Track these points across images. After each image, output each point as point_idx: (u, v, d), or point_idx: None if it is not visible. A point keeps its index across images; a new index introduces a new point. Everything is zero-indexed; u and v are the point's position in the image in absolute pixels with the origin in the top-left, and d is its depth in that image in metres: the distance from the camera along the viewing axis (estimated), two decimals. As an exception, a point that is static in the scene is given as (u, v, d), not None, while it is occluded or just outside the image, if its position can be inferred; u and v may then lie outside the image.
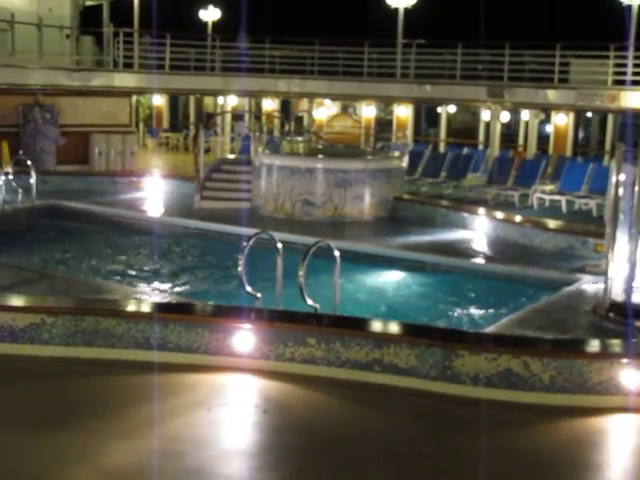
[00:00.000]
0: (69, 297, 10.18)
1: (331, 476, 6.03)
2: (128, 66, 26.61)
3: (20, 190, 17.34)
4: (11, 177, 17.55)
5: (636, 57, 23.01)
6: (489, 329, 9.63)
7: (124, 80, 26.16)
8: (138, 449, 6.32)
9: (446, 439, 6.78)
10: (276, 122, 31.36)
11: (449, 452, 6.51)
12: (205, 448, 6.40)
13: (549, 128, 27.61)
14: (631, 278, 9.61)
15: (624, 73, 23.26)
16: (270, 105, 31.94)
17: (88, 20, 28.92)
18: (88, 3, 30.18)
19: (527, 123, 28.07)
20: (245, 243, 9.47)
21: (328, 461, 6.25)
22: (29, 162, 17.85)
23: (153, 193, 19.96)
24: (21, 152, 20.71)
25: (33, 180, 17.56)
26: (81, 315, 8.33)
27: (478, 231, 15.85)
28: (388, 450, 6.50)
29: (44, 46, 24.80)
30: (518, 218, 15.95)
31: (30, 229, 16.38)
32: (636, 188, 9.46)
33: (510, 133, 30.32)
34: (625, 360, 7.46)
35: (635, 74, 22.99)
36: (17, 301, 9.09)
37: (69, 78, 24.88)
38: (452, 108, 30.68)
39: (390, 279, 13.33)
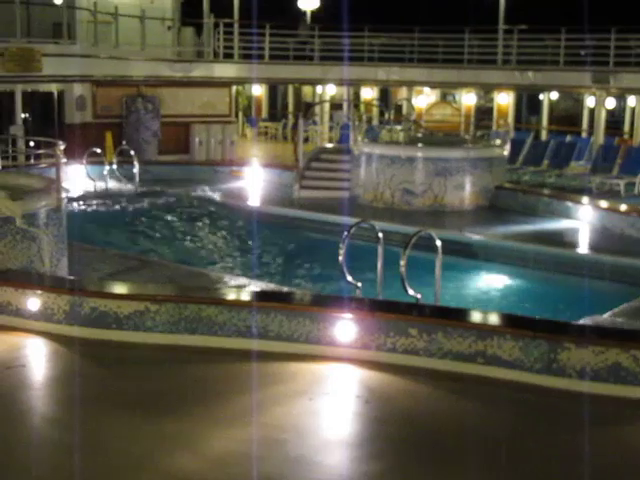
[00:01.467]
0: (172, 285, 10.31)
1: (433, 469, 5.94)
2: (228, 56, 26.88)
3: (123, 179, 17.70)
4: (115, 167, 17.91)
5: None
6: (596, 321, 9.37)
7: (224, 70, 26.44)
8: (240, 437, 6.35)
9: (550, 434, 6.61)
10: (375, 111, 31.23)
11: (553, 447, 6.34)
12: (307, 437, 6.39)
13: (656, 114, 26.80)
14: None
15: None
16: (369, 94, 31.81)
17: (189, 11, 29.26)
18: (189, -6, 30.57)
19: (634, 109, 27.30)
20: (346, 232, 9.43)
21: (430, 453, 6.17)
22: (132, 152, 18.22)
23: (253, 182, 20.10)
24: (124, 142, 21.15)
25: (136, 170, 17.91)
26: (184, 303, 8.41)
27: (582, 221, 15.48)
28: (490, 444, 6.37)
29: (146, 38, 25.23)
30: (624, 207, 15.50)
31: (134, 218, 16.69)
32: None
33: (615, 120, 29.55)
34: None
35: None
36: (121, 289, 9.28)
37: (170, 69, 25.28)
38: (554, 95, 30.04)
39: (493, 269, 13.12)
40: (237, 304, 8.45)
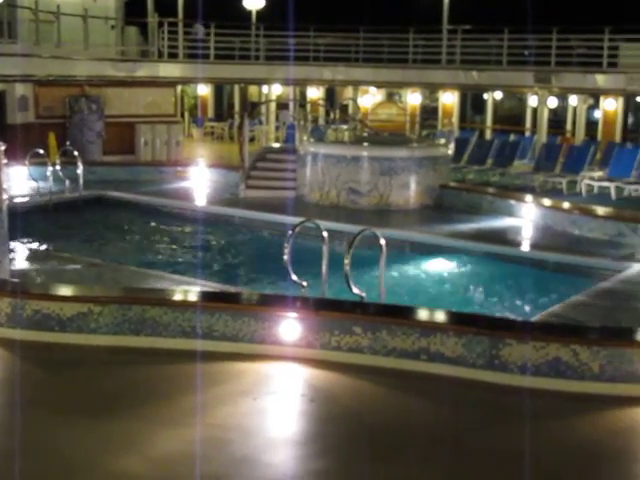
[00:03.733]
0: (116, 286, 10.25)
1: (377, 466, 5.98)
2: (173, 56, 26.75)
3: (67, 180, 17.51)
4: (58, 168, 17.71)
5: (687, 40, 22.61)
6: (537, 317, 9.51)
7: (169, 70, 26.29)
8: (185, 437, 6.33)
9: (493, 429, 6.70)
10: (321, 110, 31.30)
11: (496, 442, 6.43)
12: (252, 437, 6.40)
13: (598, 113, 27.24)
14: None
15: (675, 56, 22.86)
16: (315, 93, 31.88)
17: (133, 10, 29.06)
18: (133, -6, 30.35)
19: (575, 109, 27.73)
20: (290, 232, 9.44)
21: (374, 450, 6.21)
22: (76, 153, 18.02)
23: (198, 182, 20.03)
24: (68, 143, 20.92)
25: (80, 170, 17.73)
26: (128, 304, 8.37)
27: (525, 219, 15.68)
28: (434, 440, 6.44)
29: (89, 37, 24.97)
30: (566, 205, 15.73)
31: (77, 219, 16.53)
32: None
33: (558, 119, 29.96)
34: (677, 349, 7.32)
35: (686, 57, 22.59)
36: (65, 290, 9.18)
37: (114, 69, 25.06)
38: (498, 94, 30.39)
39: (436, 267, 13.24)
40: (181, 305, 8.44)
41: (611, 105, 25.61)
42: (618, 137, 25.65)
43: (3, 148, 10.20)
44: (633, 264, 12.06)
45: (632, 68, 23.62)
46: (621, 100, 25.64)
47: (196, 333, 8.21)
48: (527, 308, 10.69)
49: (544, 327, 8.50)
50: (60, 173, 17.62)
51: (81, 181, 17.79)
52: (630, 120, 29.93)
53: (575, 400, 7.24)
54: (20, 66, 22.55)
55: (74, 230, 15.51)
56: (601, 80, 23.77)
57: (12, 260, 11.08)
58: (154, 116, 25.95)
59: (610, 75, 23.77)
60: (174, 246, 14.51)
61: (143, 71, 25.65)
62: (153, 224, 16.33)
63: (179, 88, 29.21)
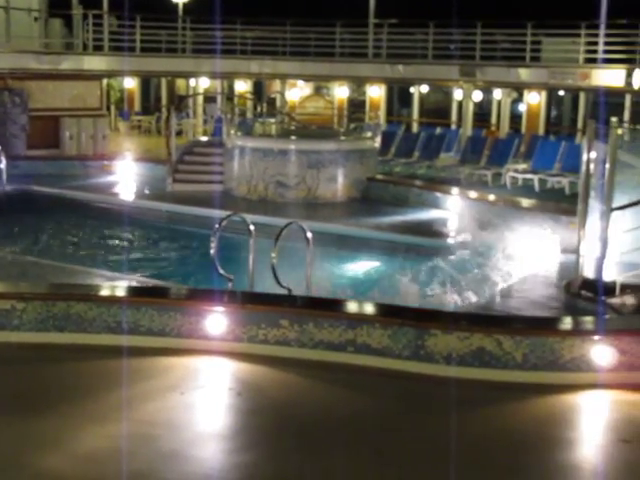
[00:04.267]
0: (40, 282, 10.10)
1: (304, 457, 6.02)
2: (98, 49, 26.36)
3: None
4: (-20, 162, 17.39)
5: (607, 35, 23.07)
6: (462, 308, 9.66)
7: (94, 63, 25.91)
8: (111, 434, 6.29)
9: (419, 418, 6.79)
10: (248, 104, 31.22)
11: (421, 432, 6.52)
12: (179, 431, 6.38)
13: (522, 107, 27.69)
14: (602, 255, 9.66)
15: (595, 51, 23.32)
16: (242, 87, 31.78)
17: (56, 2, 28.56)
18: (56, -15, 29.84)
19: (499, 102, 28.13)
20: (217, 225, 9.43)
21: (301, 443, 6.25)
22: (-2, 147, 17.73)
23: (125, 176, 19.83)
24: (-10, 137, 20.53)
25: (3, 165, 17.43)
26: (52, 300, 8.25)
27: (451, 210, 15.89)
28: (361, 431, 6.50)
29: (12, 29, 24.47)
30: (491, 197, 15.98)
31: (1, 214, 16.24)
32: (607, 165, 9.50)
33: (483, 112, 30.37)
34: (596, 337, 7.50)
35: (606, 52, 23.04)
36: (-13, 287, 9.02)
37: (38, 61, 24.58)
38: (425, 88, 30.66)
39: (363, 260, 13.33)
40: (107, 300, 8.35)
41: (534, 99, 26.05)
42: (541, 130, 26.10)
43: None
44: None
45: (554, 62, 24.06)
46: (544, 94, 26.11)
47: (122, 328, 8.14)
48: (451, 299, 10.83)
49: (468, 317, 8.64)
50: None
51: (4, 176, 17.50)
52: (553, 113, 30.53)
53: (499, 389, 7.37)
54: (-61, 58, 22.04)
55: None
56: (524, 74, 24.15)
57: None
58: (79, 109, 25.55)
59: (533, 69, 24.17)
60: (100, 241, 14.35)
61: (68, 64, 25.23)
62: (79, 219, 16.12)
63: (105, 81, 28.82)
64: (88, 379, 7.44)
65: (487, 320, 8.40)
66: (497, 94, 28.29)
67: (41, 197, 17.66)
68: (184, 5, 32.43)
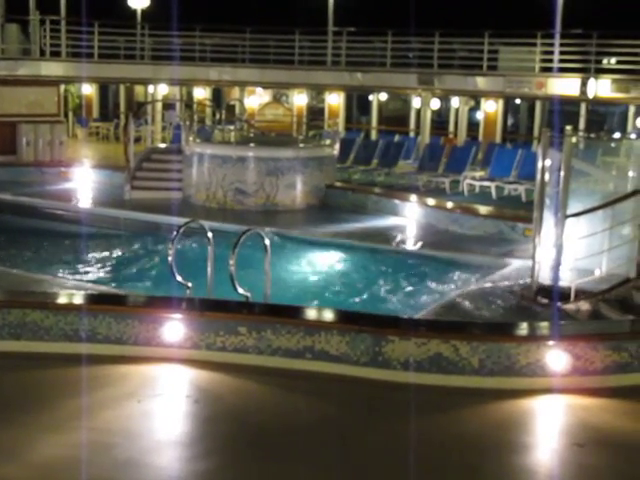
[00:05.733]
0: (-5, 290, 9.99)
1: (263, 465, 6.03)
2: (55, 54, 26.15)
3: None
4: None
5: (562, 44, 23.33)
6: (420, 314, 9.73)
7: (51, 69, 25.71)
8: (68, 442, 6.25)
9: (377, 425, 6.83)
10: (207, 111, 31.14)
11: (379, 438, 6.56)
12: (136, 440, 6.36)
13: (479, 115, 27.92)
14: (557, 262, 9.79)
15: (551, 60, 23.58)
16: (201, 94, 31.69)
17: (13, 7, 28.27)
18: (13, -10, 29.57)
19: (457, 110, 28.32)
20: (175, 233, 9.40)
21: (260, 450, 6.26)
22: (-47, 153, 17.53)
23: (83, 183, 19.71)
24: (-55, 143, 20.30)
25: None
26: (7, 308, 8.18)
27: (409, 218, 15.99)
28: (321, 437, 6.53)
29: (-32, 34, 24.25)
30: (449, 204, 16.12)
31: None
32: (562, 173, 9.63)
33: (441, 120, 30.57)
34: (551, 342, 7.60)
35: (562, 61, 23.30)
36: (-59, 295, 8.91)
37: (-5, 67, 24.37)
38: (383, 96, 30.80)
39: (321, 267, 13.36)
40: (64, 307, 8.30)
41: (491, 107, 26.29)
42: (498, 138, 26.34)
43: None
44: (512, 260, 12.43)
45: (511, 71, 24.29)
46: (501, 102, 26.35)
47: (79, 336, 8.10)
48: (409, 305, 10.90)
49: (426, 324, 8.70)
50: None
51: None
52: (510, 121, 30.81)
53: (456, 394, 7.44)
54: None
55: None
56: (481, 82, 24.36)
57: None
58: (37, 115, 25.31)
59: (490, 78, 24.37)
60: (57, 249, 14.22)
61: (25, 70, 25.02)
62: (35, 226, 15.98)
63: (63, 87, 28.58)
64: (44, 388, 7.39)
65: (444, 326, 8.47)
66: (455, 102, 28.49)
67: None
68: (143, 11, 32.26)
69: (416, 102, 28.11)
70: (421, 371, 7.61)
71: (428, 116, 25.73)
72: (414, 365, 7.60)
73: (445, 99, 29.16)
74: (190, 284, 9.23)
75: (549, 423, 7.13)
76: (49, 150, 24.89)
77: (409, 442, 6.36)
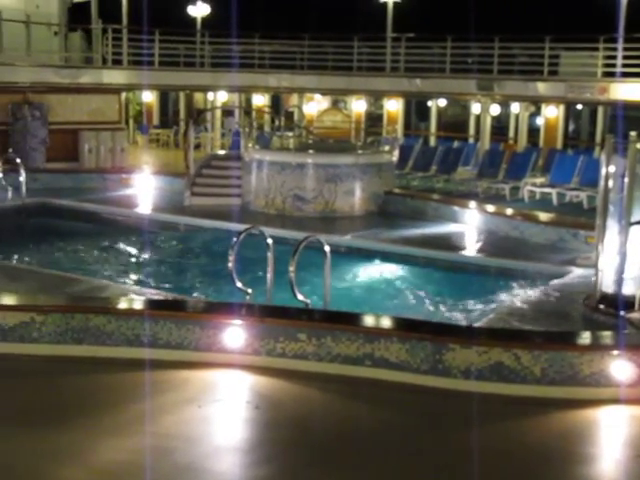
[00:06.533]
0: (59, 295, 10.14)
1: (323, 471, 6.01)
2: (117, 63, 26.51)
3: (10, 188, 17.29)
4: (0, 175, 17.49)
5: (625, 49, 22.97)
6: (480, 322, 9.64)
7: (113, 77, 26.07)
8: (129, 447, 6.30)
9: (438, 433, 6.77)
10: (266, 117, 31.29)
11: (441, 446, 6.51)
12: (196, 445, 6.38)
13: (539, 121, 27.63)
14: (621, 270, 9.62)
15: (614, 65, 23.24)
16: (260, 100, 31.87)
17: (76, 17, 28.77)
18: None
19: (517, 116, 28.07)
20: (235, 239, 9.45)
21: (320, 456, 6.24)
22: (18, 160, 17.81)
23: (143, 190, 19.91)
24: (10, 150, 20.66)
25: (23, 178, 17.52)
26: (71, 313, 8.29)
27: (469, 224, 15.85)
28: (380, 445, 6.49)
29: (32, 43, 24.68)
30: (509, 211, 15.96)
31: (20, 227, 16.34)
32: (625, 180, 9.47)
33: (500, 126, 30.30)
34: (616, 352, 7.47)
35: (625, 66, 22.95)
36: (6, 299, 9.06)
37: (58, 75, 24.77)
38: (442, 101, 30.65)
39: (381, 274, 13.31)
40: (125, 313, 8.39)
41: (552, 112, 26.00)
42: (559, 144, 26.04)
43: (-57, 156, 10.06)
44: (573, 269, 12.26)
45: (572, 76, 24.00)
46: (562, 107, 26.05)
47: (140, 341, 8.17)
48: (470, 313, 10.80)
49: (487, 332, 8.62)
50: (2, 181, 17.40)
51: (24, 189, 17.57)
52: (571, 127, 30.44)
53: (518, 403, 7.35)
54: (-39, 72, 22.22)
55: (17, 238, 15.31)
56: (542, 88, 24.11)
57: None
58: (98, 123, 25.69)
59: (551, 83, 24.11)
60: (118, 254, 14.39)
61: (87, 78, 25.40)
62: (97, 232, 16.19)
63: (124, 95, 28.98)
64: (106, 392, 7.47)
65: (505, 334, 8.38)
66: (515, 108, 28.24)
67: (60, 210, 17.74)
68: (203, 19, 32.59)
69: (475, 108, 27.92)
70: (482, 379, 7.53)
71: (488, 122, 25.54)
72: (475, 373, 7.53)
73: (505, 104, 28.92)
74: (250, 290, 9.27)
75: (613, 434, 7.00)
76: (110, 157, 25.25)
77: (471, 451, 6.29)
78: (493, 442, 6.55)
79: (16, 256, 13.62)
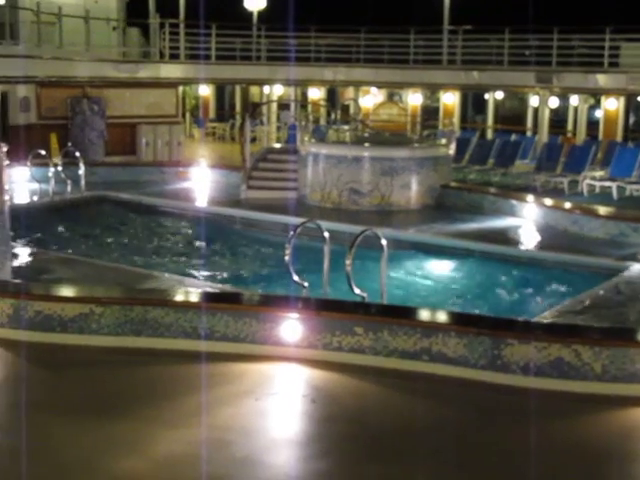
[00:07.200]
0: (118, 287, 10.24)
1: (379, 466, 5.98)
2: (174, 57, 26.78)
3: (69, 181, 17.52)
4: (60, 168, 17.72)
5: (688, 39, 22.58)
6: (539, 317, 9.51)
7: (170, 71, 26.33)
8: (187, 438, 6.33)
9: (496, 429, 6.70)
10: (322, 111, 31.31)
11: (499, 442, 6.43)
12: (253, 437, 6.39)
13: (599, 113, 27.24)
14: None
15: (676, 56, 22.84)
16: (316, 94, 31.88)
17: (134, 12, 29.08)
18: (134, -5, 30.38)
19: (576, 108, 27.73)
20: (292, 232, 9.45)
21: (376, 451, 6.21)
22: (77, 153, 18.05)
23: (200, 183, 20.03)
24: (70, 144, 20.94)
25: (82, 171, 17.75)
26: (130, 305, 8.36)
27: (527, 218, 15.67)
28: (436, 441, 6.43)
29: (91, 38, 25.03)
30: (568, 205, 15.72)
31: (79, 220, 16.54)
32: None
33: (559, 119, 29.95)
34: (679, 349, 7.31)
35: (687, 57, 22.56)
36: (66, 291, 9.19)
37: (116, 70, 25.09)
38: (499, 94, 30.38)
39: (438, 268, 13.23)
40: (183, 305, 8.44)
41: (612, 105, 25.60)
42: (619, 136, 25.64)
43: (5, 149, 10.21)
44: (635, 264, 12.05)
45: (633, 68, 23.59)
46: (622, 100, 25.64)
47: (198, 334, 8.21)
48: (529, 308, 10.68)
49: (546, 327, 8.49)
50: (62, 174, 17.63)
51: (83, 182, 17.81)
52: (631, 120, 29.94)
53: (578, 400, 7.23)
54: (22, 67, 22.58)
55: (76, 231, 15.51)
56: (602, 80, 23.75)
57: (14, 261, 11.07)
58: (156, 117, 25.97)
59: (611, 75, 23.76)
60: (176, 247, 14.51)
61: (145, 72, 25.69)
62: (155, 225, 16.33)
63: (180, 89, 29.22)
64: (164, 383, 7.52)
65: (565, 330, 8.25)
66: (574, 100, 27.88)
67: (118, 203, 17.93)
68: (259, 13, 32.70)
69: (534, 100, 27.61)
70: (541, 376, 7.42)
71: (546, 115, 25.26)
72: (534, 369, 7.42)
73: (564, 97, 28.55)
74: (306, 283, 9.26)
75: (677, 433, 6.86)
76: (167, 150, 25.51)
77: (529, 448, 6.20)
78: (552, 439, 6.45)
79: (75, 249, 13.79)
